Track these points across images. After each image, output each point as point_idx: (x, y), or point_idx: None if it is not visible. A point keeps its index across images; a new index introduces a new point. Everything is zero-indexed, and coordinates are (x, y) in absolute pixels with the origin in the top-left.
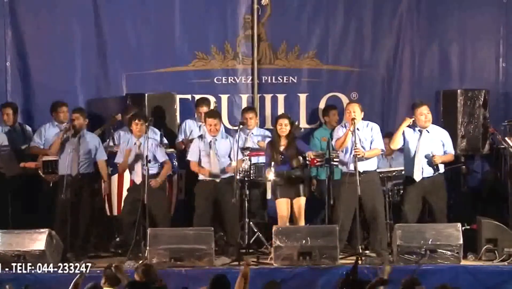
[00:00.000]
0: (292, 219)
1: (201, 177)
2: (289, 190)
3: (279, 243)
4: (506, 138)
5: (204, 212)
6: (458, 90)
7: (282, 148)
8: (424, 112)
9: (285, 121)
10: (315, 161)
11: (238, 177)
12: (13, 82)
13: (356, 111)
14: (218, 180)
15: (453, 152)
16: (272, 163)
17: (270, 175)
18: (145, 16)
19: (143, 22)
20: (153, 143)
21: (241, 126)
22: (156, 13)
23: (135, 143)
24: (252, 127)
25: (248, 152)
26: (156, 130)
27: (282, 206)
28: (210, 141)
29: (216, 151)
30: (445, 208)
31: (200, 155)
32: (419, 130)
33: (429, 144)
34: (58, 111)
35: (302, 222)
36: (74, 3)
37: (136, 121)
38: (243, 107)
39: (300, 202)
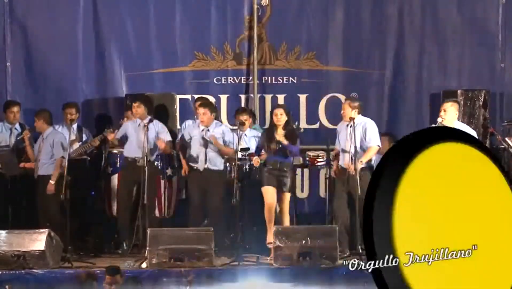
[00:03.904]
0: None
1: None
2: (276, 179)
3: (279, 243)
4: (506, 138)
5: (197, 205)
6: (458, 91)
7: (279, 138)
8: (442, 108)
9: (280, 110)
10: (315, 161)
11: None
12: (13, 83)
13: (346, 108)
14: (205, 169)
15: None
16: (263, 151)
17: (256, 161)
18: (145, 17)
19: (143, 22)
20: (158, 124)
21: (240, 126)
22: (156, 14)
23: (139, 125)
24: (246, 128)
25: (248, 152)
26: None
27: (269, 193)
28: (203, 130)
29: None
30: None
31: (191, 143)
32: None
33: None
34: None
35: (286, 219)
36: (74, 3)
37: (133, 104)
38: (242, 106)
39: (285, 197)
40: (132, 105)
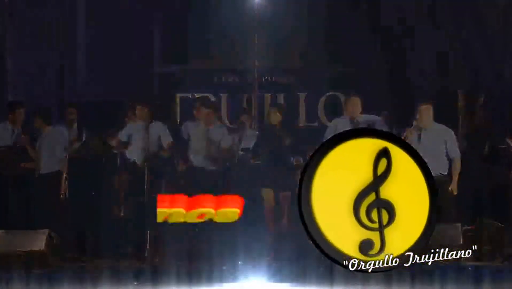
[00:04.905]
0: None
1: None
2: (275, 180)
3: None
4: (506, 138)
5: None
6: (458, 90)
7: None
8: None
9: (274, 109)
10: None
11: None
12: (13, 83)
13: (357, 105)
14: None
15: (458, 155)
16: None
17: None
18: (146, 16)
19: (144, 21)
20: (160, 126)
21: (240, 126)
22: (157, 13)
23: (141, 127)
24: (246, 128)
25: (248, 152)
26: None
27: (268, 196)
28: (206, 130)
29: (210, 139)
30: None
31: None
32: (418, 130)
33: (430, 145)
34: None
35: (285, 219)
36: (75, 3)
37: (137, 106)
38: (243, 106)
39: (285, 197)
40: (135, 107)
